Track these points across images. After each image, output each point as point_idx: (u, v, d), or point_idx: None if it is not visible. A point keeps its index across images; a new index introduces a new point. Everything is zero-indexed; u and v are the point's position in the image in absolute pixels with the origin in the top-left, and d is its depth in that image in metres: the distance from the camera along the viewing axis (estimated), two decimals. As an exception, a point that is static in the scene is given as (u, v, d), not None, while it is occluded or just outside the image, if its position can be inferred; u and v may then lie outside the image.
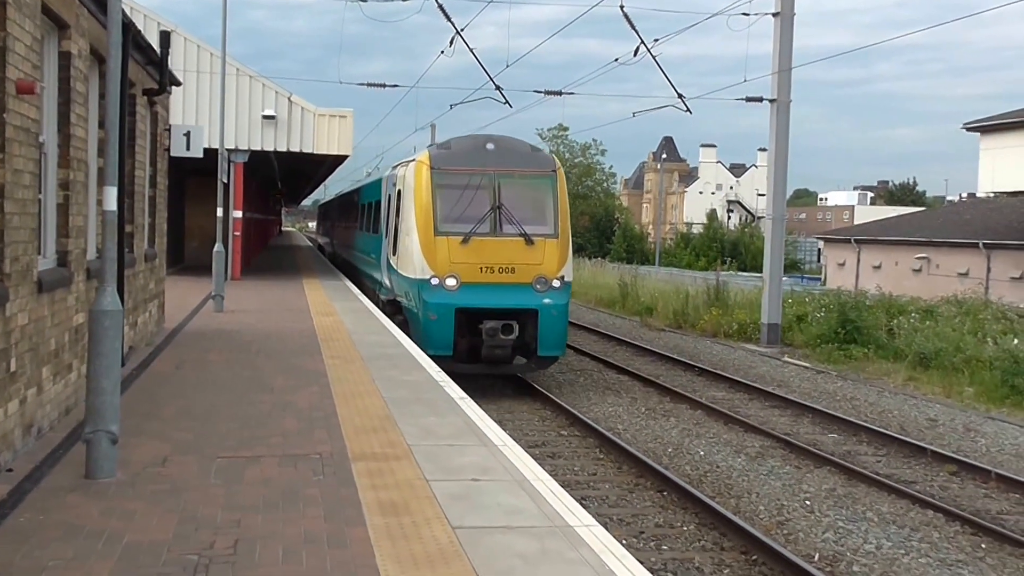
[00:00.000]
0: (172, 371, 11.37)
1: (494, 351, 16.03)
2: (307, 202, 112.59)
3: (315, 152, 26.36)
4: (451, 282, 15.96)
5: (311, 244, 68.30)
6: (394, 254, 18.19)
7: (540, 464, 7.77)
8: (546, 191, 16.82)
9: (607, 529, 6.10)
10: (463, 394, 10.37)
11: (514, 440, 8.37)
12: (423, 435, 8.29)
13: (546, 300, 16.06)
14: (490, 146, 16.98)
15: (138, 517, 5.89)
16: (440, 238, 16.15)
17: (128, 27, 10.56)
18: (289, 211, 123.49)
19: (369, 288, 23.97)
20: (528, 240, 16.19)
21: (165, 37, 13.53)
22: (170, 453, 7.46)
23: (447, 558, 5.32)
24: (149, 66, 13.35)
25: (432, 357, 13.11)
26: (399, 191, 18.10)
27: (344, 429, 8.43)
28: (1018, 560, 9.37)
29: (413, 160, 17.63)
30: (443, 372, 11.92)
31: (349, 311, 18.93)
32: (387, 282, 19.49)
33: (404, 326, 17.18)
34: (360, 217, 27.43)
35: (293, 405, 9.48)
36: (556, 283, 16.20)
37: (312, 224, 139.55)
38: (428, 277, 16.07)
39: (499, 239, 16.21)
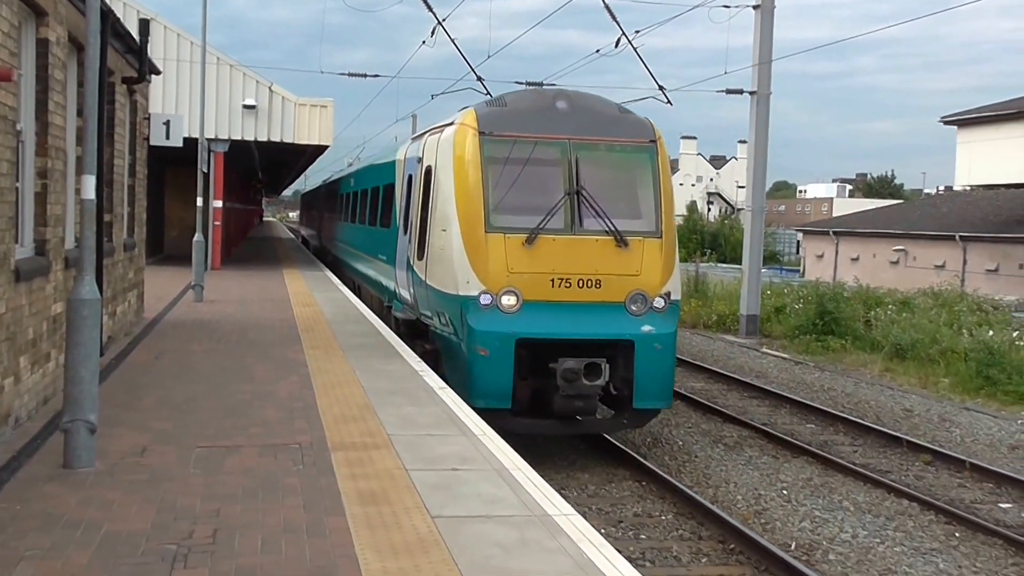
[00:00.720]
0: (151, 361, 11.33)
1: (573, 403, 11.26)
2: (288, 192, 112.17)
3: (296, 142, 26.29)
4: (509, 300, 11.24)
5: (293, 236, 67.90)
6: (420, 258, 13.08)
7: (519, 454, 7.81)
8: (643, 169, 12.15)
9: (586, 518, 6.14)
10: (443, 384, 10.40)
11: (493, 430, 8.40)
12: (403, 425, 8.31)
13: (646, 327, 11.39)
14: (561, 104, 12.24)
15: (116, 507, 5.89)
16: (493, 236, 11.36)
17: (107, 15, 10.49)
18: (270, 201, 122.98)
19: (371, 295, 19.59)
20: (620, 240, 11.49)
21: (144, 25, 13.46)
22: (149, 443, 7.44)
23: (426, 547, 5.35)
24: (128, 54, 13.26)
25: (480, 411, 9.54)
26: (427, 169, 13.14)
27: (324, 419, 8.44)
28: (991, 548, 9.50)
29: (450, 124, 12.65)
30: (423, 363, 11.88)
31: (329, 301, 18.89)
32: (406, 294, 14.37)
33: (431, 358, 12.44)
34: (360, 207, 22.02)
35: (273, 395, 9.47)
36: (659, 303, 11.54)
37: (293, 214, 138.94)
38: (476, 294, 11.23)
39: (578, 238, 11.48)
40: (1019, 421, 15.58)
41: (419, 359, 11.99)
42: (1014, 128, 33.23)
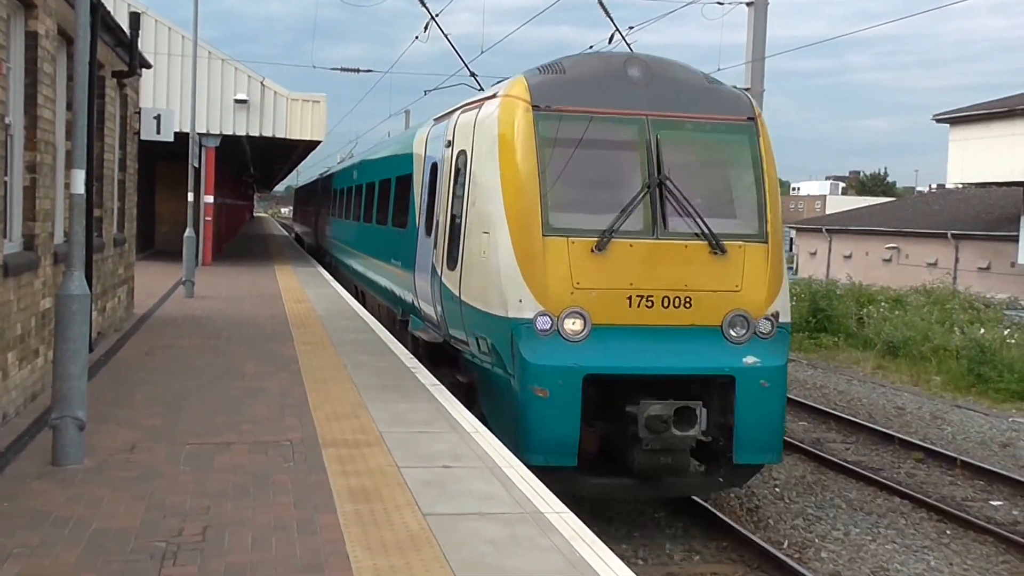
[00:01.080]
0: (141, 357, 11.27)
1: (659, 458, 8.86)
2: (279, 187, 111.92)
3: (288, 137, 26.19)
4: (574, 325, 8.87)
5: (286, 233, 67.69)
6: (451, 267, 10.57)
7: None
8: (742, 154, 9.80)
9: (578, 516, 6.11)
10: (435, 381, 10.36)
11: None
12: (394, 422, 8.27)
13: (749, 359, 9.07)
14: (635, 71, 9.67)
15: (105, 504, 5.84)
16: (553, 241, 8.96)
17: (96, 7, 10.41)
18: (262, 197, 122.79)
19: (379, 305, 17.09)
20: (716, 246, 9.14)
21: (135, 18, 13.38)
22: (139, 440, 7.39)
23: (418, 544, 5.32)
24: (119, 48, 13.17)
25: (537, 470, 7.44)
26: (460, 155, 10.70)
27: (315, 415, 8.40)
28: (982, 546, 9.52)
29: (492, 97, 10.21)
30: (415, 359, 11.81)
31: (321, 297, 18.83)
32: (429, 310, 11.84)
33: (463, 393, 10.17)
34: (367, 202, 19.06)
35: (264, 391, 9.42)
36: (765, 326, 9.20)
37: (285, 210, 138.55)
38: (531, 316, 8.87)
39: (662, 243, 9.11)
40: (1010, 419, 15.62)
41: (411, 355, 11.89)
42: (1006, 126, 33.29)
